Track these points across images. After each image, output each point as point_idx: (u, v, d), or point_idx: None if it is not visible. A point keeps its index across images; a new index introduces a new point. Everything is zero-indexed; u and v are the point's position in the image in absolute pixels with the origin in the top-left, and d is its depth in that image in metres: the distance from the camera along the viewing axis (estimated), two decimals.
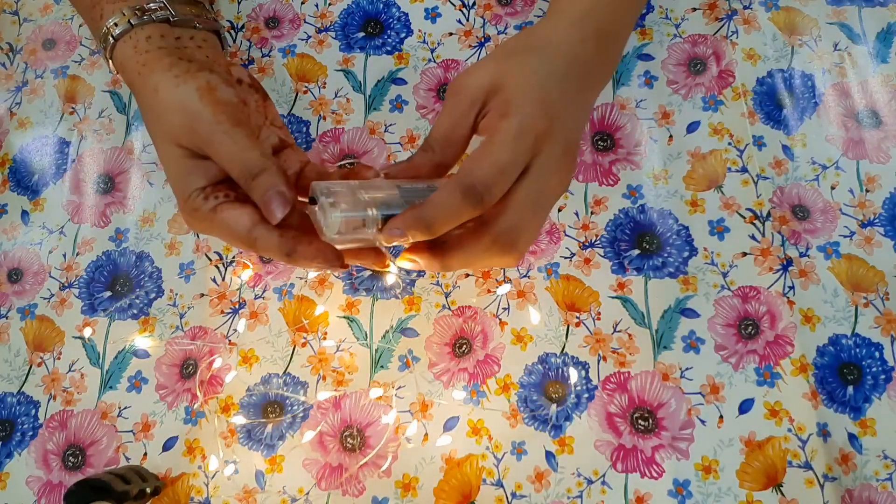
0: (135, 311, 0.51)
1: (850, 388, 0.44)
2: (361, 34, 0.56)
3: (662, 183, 0.50)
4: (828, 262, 0.47)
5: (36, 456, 0.49)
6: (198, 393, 0.48)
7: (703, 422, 0.44)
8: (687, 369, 0.46)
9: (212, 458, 0.46)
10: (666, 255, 0.48)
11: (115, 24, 0.44)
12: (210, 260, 0.52)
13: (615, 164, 0.51)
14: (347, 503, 0.45)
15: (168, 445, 0.48)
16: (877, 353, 0.45)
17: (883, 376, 0.44)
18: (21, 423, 0.50)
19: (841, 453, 0.43)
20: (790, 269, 0.47)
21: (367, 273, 0.50)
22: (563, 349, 0.47)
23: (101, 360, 0.50)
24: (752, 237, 0.48)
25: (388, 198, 0.37)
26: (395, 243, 0.38)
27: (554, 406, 0.46)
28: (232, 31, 0.58)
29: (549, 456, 0.45)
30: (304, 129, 0.54)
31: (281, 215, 0.38)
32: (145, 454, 0.48)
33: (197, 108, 0.40)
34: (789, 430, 0.44)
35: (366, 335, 0.48)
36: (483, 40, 0.55)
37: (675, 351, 0.46)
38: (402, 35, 0.56)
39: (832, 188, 0.49)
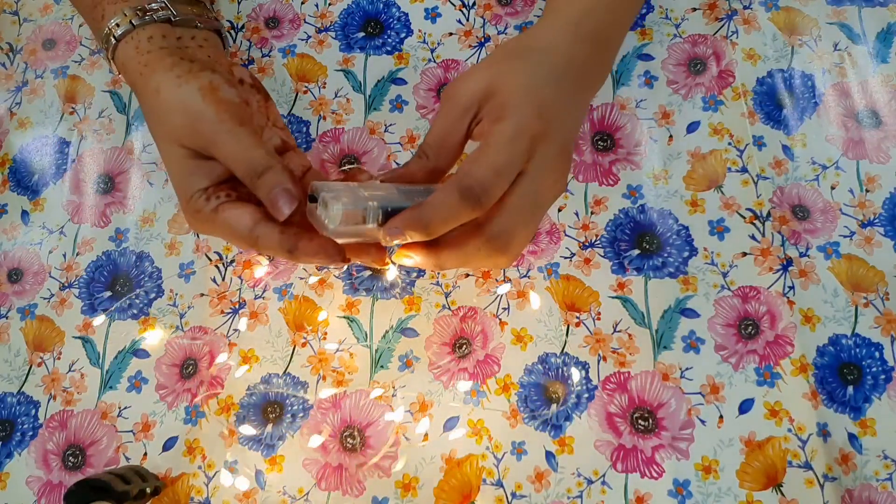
0: (135, 311, 0.51)
1: (850, 388, 0.44)
2: (361, 34, 0.56)
3: (662, 183, 0.50)
4: (828, 262, 0.47)
5: (36, 456, 0.49)
6: (199, 392, 0.48)
7: (703, 422, 0.44)
8: (687, 369, 0.46)
9: (223, 472, 0.46)
10: (666, 255, 0.48)
11: (117, 25, 0.44)
12: (210, 260, 0.52)
13: (615, 164, 0.51)
14: (347, 503, 0.45)
15: (168, 445, 0.48)
16: (877, 353, 0.45)
17: (883, 376, 0.44)
18: (21, 423, 0.50)
19: (841, 453, 0.43)
20: (790, 269, 0.47)
21: (367, 273, 0.50)
22: (563, 349, 0.47)
23: (101, 360, 0.50)
24: (752, 237, 0.48)
25: (387, 194, 0.38)
26: (394, 242, 0.38)
27: (554, 406, 0.46)
28: (232, 31, 0.58)
29: (549, 456, 0.45)
30: (304, 129, 0.54)
31: (288, 211, 0.38)
32: (145, 454, 0.48)
33: (200, 108, 0.40)
34: (789, 430, 0.44)
35: (366, 335, 0.48)
36: (483, 40, 0.55)
37: (675, 351, 0.46)
38: (402, 35, 0.56)
39: (832, 188, 0.49)
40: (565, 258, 0.49)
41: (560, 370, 0.46)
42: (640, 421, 0.45)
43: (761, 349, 0.45)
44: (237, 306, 0.50)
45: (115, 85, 0.58)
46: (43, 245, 0.54)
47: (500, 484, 0.45)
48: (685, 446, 0.44)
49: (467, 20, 0.56)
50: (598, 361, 0.46)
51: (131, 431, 0.48)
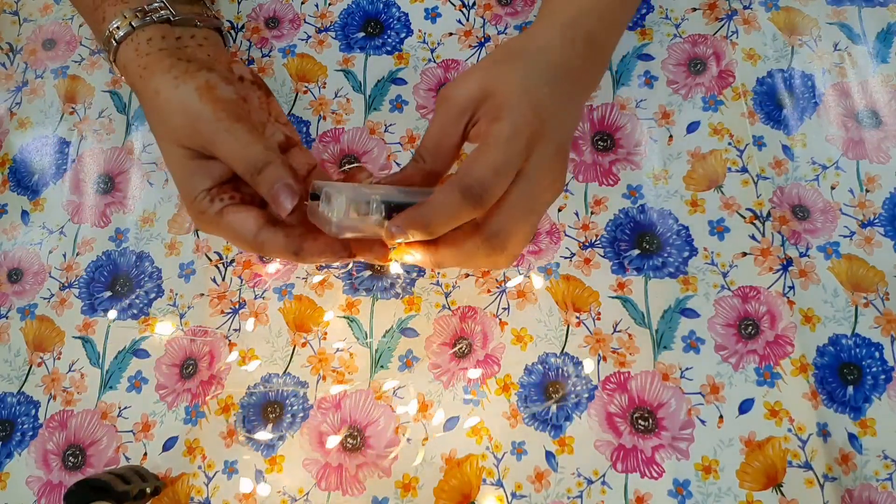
0: (135, 311, 0.51)
1: (850, 388, 0.44)
2: (361, 34, 0.56)
3: (662, 183, 0.50)
4: (828, 262, 0.47)
5: (36, 456, 0.49)
6: (200, 392, 0.48)
7: (703, 422, 0.44)
8: (687, 369, 0.46)
9: (243, 479, 0.46)
10: (666, 255, 0.48)
11: (118, 28, 0.44)
12: (210, 260, 0.52)
13: (615, 164, 0.51)
14: (347, 503, 0.45)
15: (168, 445, 0.48)
16: (877, 353, 0.45)
17: (883, 376, 0.44)
18: (21, 423, 0.50)
19: (841, 453, 0.43)
20: (790, 269, 0.47)
21: (367, 273, 0.50)
22: (563, 349, 0.47)
23: (101, 360, 0.50)
24: (752, 237, 0.48)
25: (388, 190, 0.39)
26: (396, 241, 0.38)
27: (553, 406, 0.46)
28: (232, 31, 0.58)
29: (549, 456, 0.45)
30: (304, 129, 0.54)
31: (290, 206, 0.38)
32: (145, 454, 0.48)
33: (197, 107, 0.40)
34: (789, 430, 0.44)
35: (366, 335, 0.48)
36: (483, 40, 0.55)
37: (675, 351, 0.46)
38: (402, 35, 0.56)
39: (832, 188, 0.49)
40: (565, 258, 0.49)
41: (560, 370, 0.46)
42: (640, 421, 0.45)
43: (761, 349, 0.45)
44: (237, 306, 0.50)
45: (115, 85, 0.58)
46: (43, 245, 0.54)
47: (500, 484, 0.45)
48: (685, 446, 0.44)
49: (467, 20, 0.56)
50: (598, 361, 0.46)
51: (131, 431, 0.48)
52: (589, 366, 0.46)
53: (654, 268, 0.48)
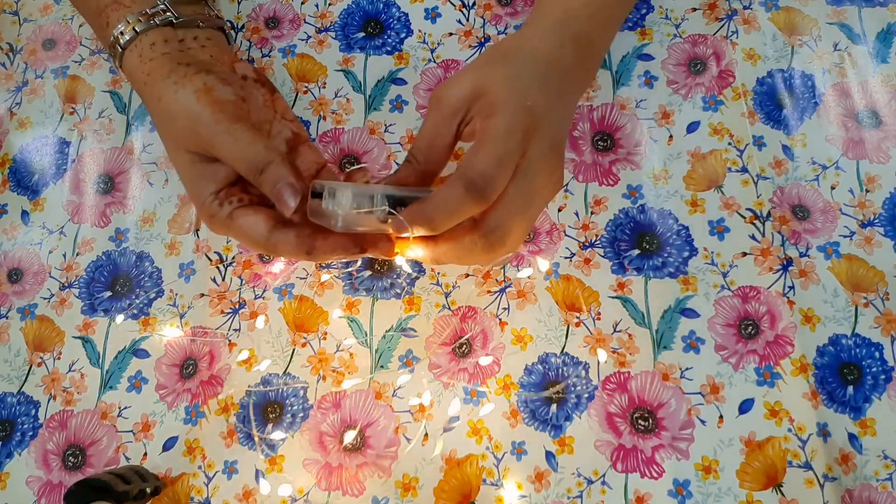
0: (135, 311, 0.51)
1: (850, 388, 0.44)
2: (361, 34, 0.56)
3: (662, 183, 0.50)
4: (828, 262, 0.47)
5: (36, 456, 0.49)
6: (200, 396, 0.48)
7: (703, 422, 0.44)
8: (687, 369, 0.46)
9: (262, 482, 0.46)
10: (666, 255, 0.48)
11: (122, 33, 0.45)
12: (210, 260, 0.52)
13: (615, 164, 0.51)
14: (347, 503, 0.45)
15: (168, 445, 0.48)
16: (877, 353, 0.45)
17: (883, 376, 0.44)
18: (21, 423, 0.50)
19: (841, 453, 0.43)
20: (790, 269, 0.47)
21: (367, 273, 0.50)
22: (563, 349, 0.47)
23: (101, 360, 0.50)
24: (752, 237, 0.48)
25: (389, 187, 0.39)
26: (402, 235, 0.38)
27: (553, 407, 0.46)
28: (232, 32, 0.58)
29: (549, 456, 0.45)
30: (305, 129, 0.54)
31: (294, 205, 0.38)
32: (145, 454, 0.48)
33: (196, 110, 0.41)
34: (789, 430, 0.44)
35: (366, 335, 0.48)
36: (483, 40, 0.55)
37: (675, 351, 0.46)
38: (402, 35, 0.56)
39: (832, 188, 0.49)
40: (565, 258, 0.49)
41: (560, 370, 0.46)
42: (640, 421, 0.45)
43: (761, 349, 0.45)
44: (237, 306, 0.50)
45: (115, 85, 0.58)
46: (43, 245, 0.54)
47: (500, 484, 0.45)
48: (685, 446, 0.44)
49: (467, 20, 0.56)
50: (598, 362, 0.46)
51: (131, 431, 0.48)
52: (602, 355, 0.46)
53: (654, 268, 0.48)
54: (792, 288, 0.47)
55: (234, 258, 0.52)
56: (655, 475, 0.44)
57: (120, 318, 0.51)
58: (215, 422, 0.47)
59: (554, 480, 0.44)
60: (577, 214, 0.50)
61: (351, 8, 0.57)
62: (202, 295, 0.51)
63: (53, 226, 0.54)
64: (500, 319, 0.48)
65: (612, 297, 0.48)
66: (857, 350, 0.45)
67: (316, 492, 0.45)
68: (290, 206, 0.38)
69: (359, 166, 0.52)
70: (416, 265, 0.49)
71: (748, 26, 0.53)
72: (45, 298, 0.52)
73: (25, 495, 0.48)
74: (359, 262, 0.50)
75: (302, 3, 0.58)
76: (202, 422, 0.48)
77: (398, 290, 0.49)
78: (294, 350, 0.49)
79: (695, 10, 0.54)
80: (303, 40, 0.57)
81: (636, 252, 0.49)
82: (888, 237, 0.47)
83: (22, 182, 0.56)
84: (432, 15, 0.56)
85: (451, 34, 0.56)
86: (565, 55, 0.42)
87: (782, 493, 0.43)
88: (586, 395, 0.46)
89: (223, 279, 0.51)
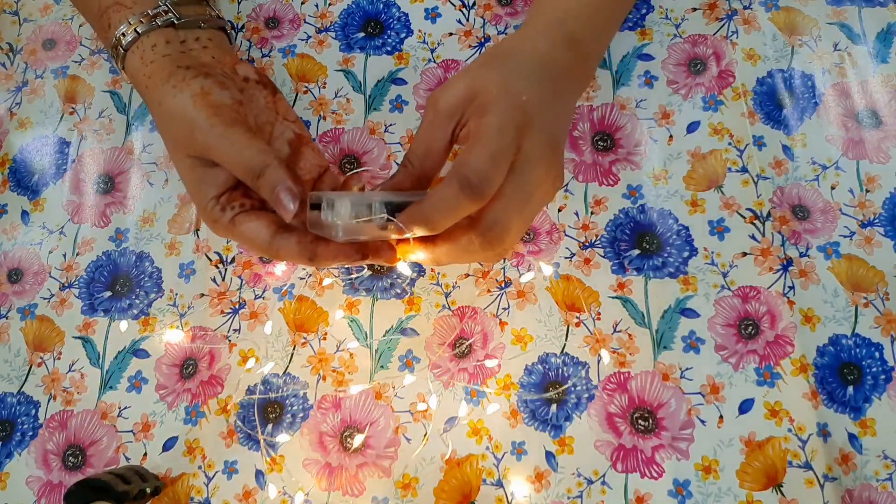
0: (135, 312, 0.51)
1: (850, 388, 0.44)
2: (361, 34, 0.56)
3: (662, 183, 0.50)
4: (828, 262, 0.47)
5: (36, 456, 0.49)
6: (198, 397, 0.48)
7: (703, 422, 0.44)
8: (687, 369, 0.46)
9: (270, 486, 0.45)
10: (666, 255, 0.48)
11: (123, 34, 0.45)
12: (210, 260, 0.52)
13: (615, 164, 0.51)
14: (347, 503, 0.45)
15: (168, 445, 0.48)
16: (877, 353, 0.45)
17: (883, 376, 0.44)
18: (21, 423, 0.50)
19: (841, 453, 0.43)
20: (790, 269, 0.47)
21: (367, 273, 0.50)
22: (563, 349, 0.47)
23: (100, 360, 0.50)
24: (752, 237, 0.48)
25: (386, 193, 0.39)
26: (402, 236, 0.39)
27: (553, 407, 0.46)
28: (232, 32, 0.58)
29: (549, 456, 0.45)
30: (307, 130, 0.54)
31: (293, 208, 0.38)
32: (145, 454, 0.48)
33: (193, 115, 0.41)
34: (789, 430, 0.44)
35: (366, 335, 0.48)
36: (483, 40, 0.55)
37: (675, 351, 0.46)
38: (402, 35, 0.56)
39: (832, 188, 0.49)
40: (565, 258, 0.49)
41: (560, 370, 0.46)
42: (640, 421, 0.45)
43: (761, 349, 0.45)
44: (237, 306, 0.50)
45: (115, 85, 0.58)
46: (43, 245, 0.54)
47: (500, 484, 0.45)
48: (685, 446, 0.44)
49: (467, 20, 0.56)
50: (598, 361, 0.46)
51: (131, 431, 0.48)
52: (605, 355, 0.46)
53: (654, 268, 0.48)
54: (792, 288, 0.47)
55: (234, 258, 0.52)
56: (655, 475, 0.44)
57: (124, 323, 0.51)
58: (215, 422, 0.47)
59: (554, 480, 0.44)
60: (577, 214, 0.50)
61: (351, 8, 0.57)
62: (202, 295, 0.51)
63: (53, 226, 0.54)
64: (500, 319, 0.48)
65: (612, 297, 0.48)
66: (857, 350, 0.45)
67: (316, 492, 0.45)
68: (289, 209, 0.38)
69: (356, 171, 0.52)
70: (416, 265, 0.49)
71: (748, 26, 0.53)
72: (45, 298, 0.52)
73: (25, 495, 0.48)
74: (365, 270, 0.50)
75: (302, 3, 0.58)
76: (202, 422, 0.48)
77: (398, 291, 0.49)
78: (294, 350, 0.49)
79: (695, 10, 0.54)
80: (303, 40, 0.57)
81: (636, 252, 0.49)
82: (888, 237, 0.47)
83: (22, 182, 0.56)
84: (432, 15, 0.56)
85: (451, 34, 0.56)
86: (560, 55, 0.42)
87: (782, 494, 0.43)
88: (586, 395, 0.46)
89: (223, 279, 0.51)
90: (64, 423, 0.49)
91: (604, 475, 0.44)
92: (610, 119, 0.52)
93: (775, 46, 0.53)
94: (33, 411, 0.50)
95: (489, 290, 0.49)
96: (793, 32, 0.53)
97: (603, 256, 0.49)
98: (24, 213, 0.55)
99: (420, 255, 0.41)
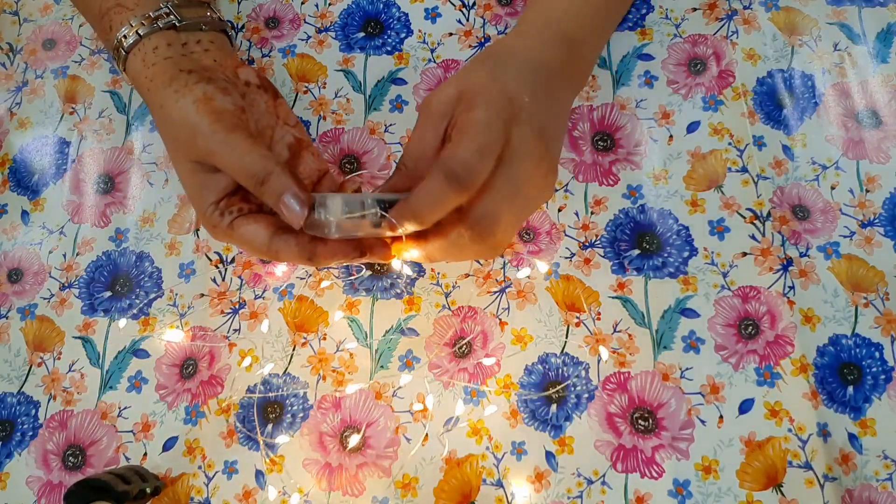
0: (135, 312, 0.51)
1: (850, 388, 0.44)
2: (361, 34, 0.56)
3: (662, 183, 0.50)
4: (828, 262, 0.47)
5: (36, 456, 0.49)
6: (198, 397, 0.48)
7: (703, 422, 0.44)
8: (687, 369, 0.46)
9: (269, 488, 0.45)
10: (666, 255, 0.48)
11: (125, 37, 0.45)
12: (210, 260, 0.52)
13: (615, 164, 0.51)
14: (347, 503, 0.45)
15: (168, 445, 0.48)
16: (877, 354, 0.45)
17: (883, 376, 0.44)
18: (21, 423, 0.50)
19: (841, 453, 0.43)
20: (790, 269, 0.47)
21: (367, 273, 0.50)
22: (563, 349, 0.47)
23: (100, 360, 0.50)
24: (753, 237, 0.48)
25: (378, 194, 0.40)
26: (395, 232, 0.39)
27: (553, 407, 0.46)
28: (232, 32, 0.58)
29: (549, 456, 0.45)
30: (307, 134, 0.54)
31: (303, 214, 0.38)
32: (145, 454, 0.48)
33: (195, 120, 0.41)
34: (789, 430, 0.44)
35: (366, 335, 0.48)
36: (483, 40, 0.55)
37: (675, 351, 0.46)
38: (402, 35, 0.56)
39: (832, 188, 0.49)
40: (565, 258, 0.49)
41: (560, 370, 0.46)
42: (640, 421, 0.45)
43: (761, 349, 0.45)
44: (237, 306, 0.50)
45: (115, 85, 0.58)
46: (43, 245, 0.54)
47: (500, 484, 0.45)
48: (685, 446, 0.44)
49: (467, 20, 0.56)
50: (598, 361, 0.46)
51: (131, 431, 0.48)
52: (605, 353, 0.46)
53: (654, 268, 0.48)
54: (792, 288, 0.47)
55: (234, 258, 0.52)
56: (655, 475, 0.44)
57: (123, 322, 0.51)
58: (215, 422, 0.47)
59: (554, 480, 0.44)
60: (577, 214, 0.50)
61: (351, 8, 0.57)
62: (202, 295, 0.51)
63: (53, 226, 0.54)
64: (500, 319, 0.48)
65: (612, 297, 0.48)
66: (857, 350, 0.45)
67: (316, 492, 0.45)
68: (298, 216, 0.38)
69: (354, 174, 0.52)
70: (416, 265, 0.49)
71: (748, 26, 0.53)
72: (45, 298, 0.52)
73: (25, 495, 0.48)
74: (364, 271, 0.50)
75: (302, 3, 0.58)
76: (202, 422, 0.48)
77: (398, 291, 0.49)
78: (294, 350, 0.49)
79: (695, 10, 0.54)
80: (303, 40, 0.57)
81: (636, 252, 0.49)
82: (888, 237, 0.47)
83: (22, 182, 0.56)
84: (432, 15, 0.56)
85: (451, 34, 0.56)
86: (554, 54, 0.43)
87: (782, 494, 0.43)
88: (586, 395, 0.46)
89: (223, 279, 0.51)
90: (64, 423, 0.49)
91: (604, 475, 0.44)
92: (610, 119, 0.52)
93: (775, 46, 0.53)
94: (33, 411, 0.50)
95: (489, 291, 0.49)
96: (793, 32, 0.53)
97: (603, 256, 0.49)
98: (24, 213, 0.55)
99: (413, 252, 0.41)
